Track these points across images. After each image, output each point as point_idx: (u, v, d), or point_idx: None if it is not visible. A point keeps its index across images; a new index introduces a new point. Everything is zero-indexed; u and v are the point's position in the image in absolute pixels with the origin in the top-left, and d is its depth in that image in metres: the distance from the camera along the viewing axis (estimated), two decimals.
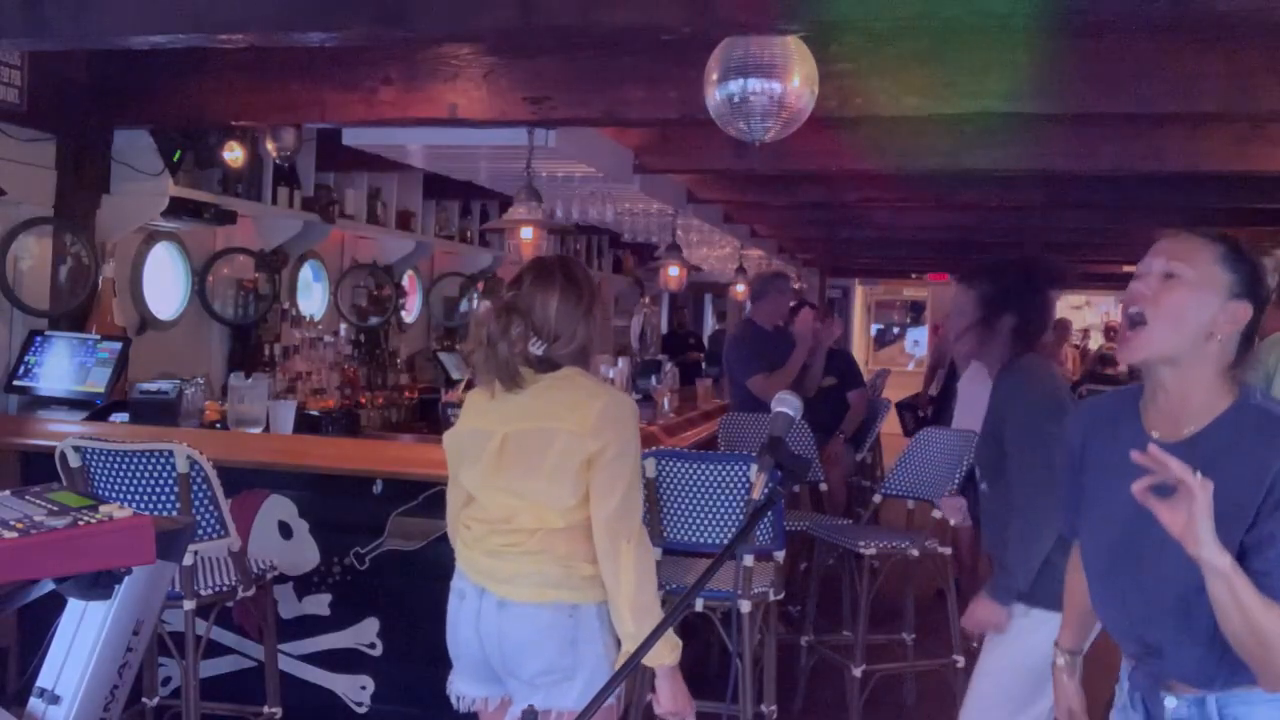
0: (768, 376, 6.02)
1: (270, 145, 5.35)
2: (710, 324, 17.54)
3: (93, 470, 3.61)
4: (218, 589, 3.68)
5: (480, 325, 2.61)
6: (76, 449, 3.61)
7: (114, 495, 3.57)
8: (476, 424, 2.67)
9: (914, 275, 16.35)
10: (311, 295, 7.16)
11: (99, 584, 2.20)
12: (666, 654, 2.55)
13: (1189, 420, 1.91)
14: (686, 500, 3.78)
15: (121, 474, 3.57)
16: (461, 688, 2.76)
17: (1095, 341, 16.38)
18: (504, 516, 2.62)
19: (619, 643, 2.59)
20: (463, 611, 2.67)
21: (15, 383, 4.84)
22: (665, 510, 3.79)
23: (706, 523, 3.78)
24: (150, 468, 3.55)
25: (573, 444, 2.54)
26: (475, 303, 9.02)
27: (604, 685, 1.83)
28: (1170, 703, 1.95)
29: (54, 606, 2.38)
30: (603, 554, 2.55)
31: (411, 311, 8.33)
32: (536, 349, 2.58)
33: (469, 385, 2.74)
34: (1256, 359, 4.68)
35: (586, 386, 2.62)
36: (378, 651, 4.32)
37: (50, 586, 2.21)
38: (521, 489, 2.59)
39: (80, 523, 2.10)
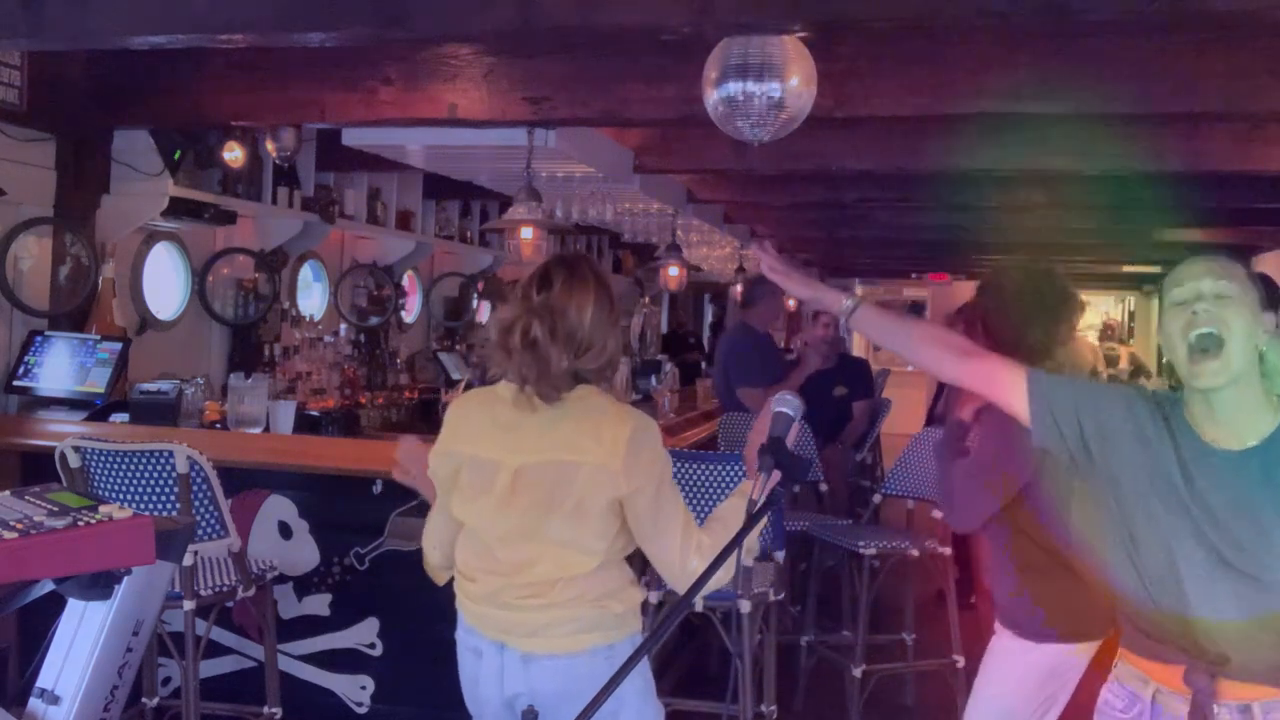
0: (765, 391, 5.96)
1: (270, 145, 5.35)
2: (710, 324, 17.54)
3: (93, 470, 3.61)
4: (218, 589, 3.68)
5: (509, 331, 2.28)
6: (76, 449, 3.61)
7: (114, 495, 3.57)
8: (477, 451, 2.36)
9: (914, 275, 16.33)
10: (311, 295, 7.17)
11: (99, 584, 2.20)
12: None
13: (1249, 432, 2.01)
14: (686, 500, 3.76)
15: (121, 474, 3.57)
16: None
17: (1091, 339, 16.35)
18: (520, 564, 2.32)
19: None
20: (482, 670, 2.39)
21: (15, 383, 4.84)
22: None
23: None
24: (150, 468, 3.55)
25: (598, 478, 2.26)
26: (476, 302, 9.03)
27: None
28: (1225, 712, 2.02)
29: (54, 606, 2.38)
30: (678, 583, 2.34)
31: (411, 311, 8.33)
32: (564, 360, 2.27)
33: (469, 386, 2.57)
34: None
35: (607, 410, 2.32)
36: (378, 651, 4.32)
37: (50, 586, 2.21)
38: (540, 533, 2.30)
39: (80, 523, 2.09)
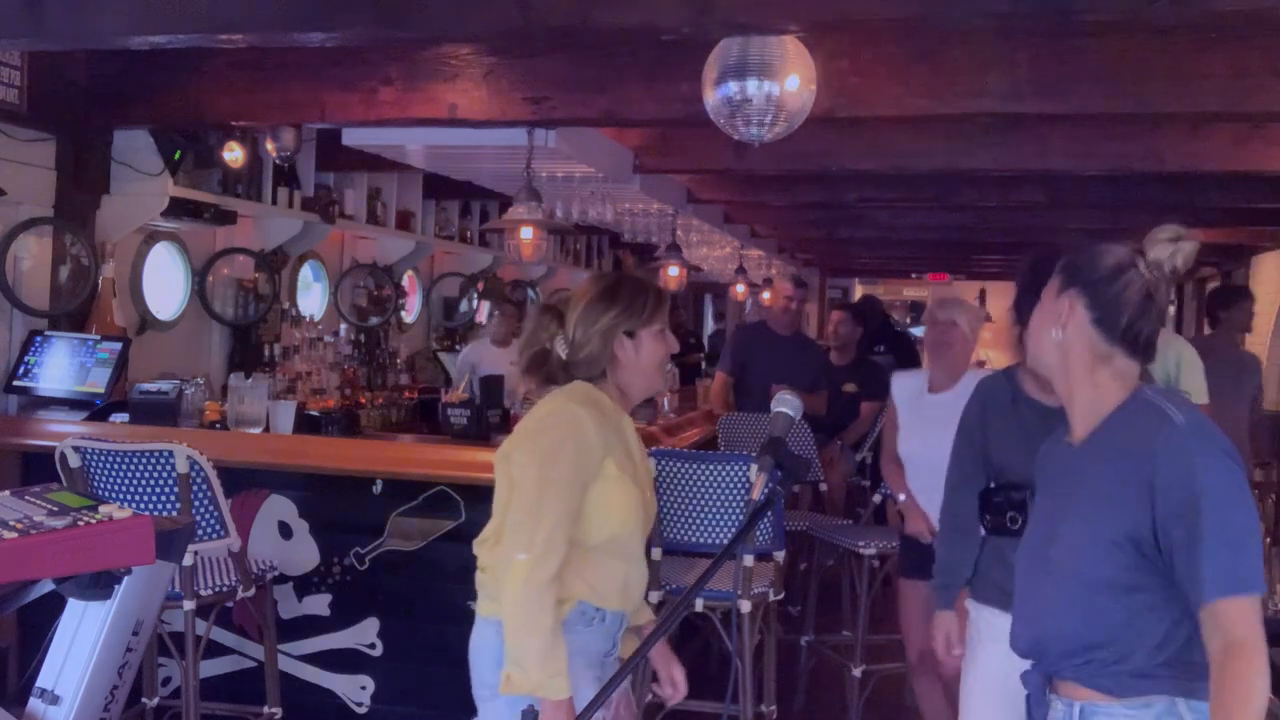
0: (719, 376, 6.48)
1: (270, 145, 5.35)
2: (710, 324, 17.54)
3: (93, 470, 3.61)
4: (218, 589, 3.68)
5: (530, 321, 2.66)
6: (76, 449, 3.61)
7: (114, 495, 3.57)
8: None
9: (914, 275, 16.35)
10: (311, 295, 7.17)
11: (99, 584, 2.20)
12: (550, 686, 2.27)
13: None
14: (686, 500, 3.78)
15: (121, 474, 3.57)
16: None
17: None
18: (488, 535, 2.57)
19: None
20: None
21: (15, 383, 4.84)
22: (665, 510, 3.79)
23: (706, 523, 3.78)
24: (150, 468, 3.55)
25: (505, 464, 2.50)
26: (474, 303, 9.03)
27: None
28: (1057, 707, 2.00)
29: (54, 606, 2.38)
30: (496, 562, 2.43)
31: (411, 311, 8.34)
32: (562, 351, 2.54)
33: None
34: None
35: (539, 404, 2.55)
36: (378, 651, 4.31)
37: (50, 586, 2.21)
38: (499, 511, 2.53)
39: (80, 523, 2.10)
